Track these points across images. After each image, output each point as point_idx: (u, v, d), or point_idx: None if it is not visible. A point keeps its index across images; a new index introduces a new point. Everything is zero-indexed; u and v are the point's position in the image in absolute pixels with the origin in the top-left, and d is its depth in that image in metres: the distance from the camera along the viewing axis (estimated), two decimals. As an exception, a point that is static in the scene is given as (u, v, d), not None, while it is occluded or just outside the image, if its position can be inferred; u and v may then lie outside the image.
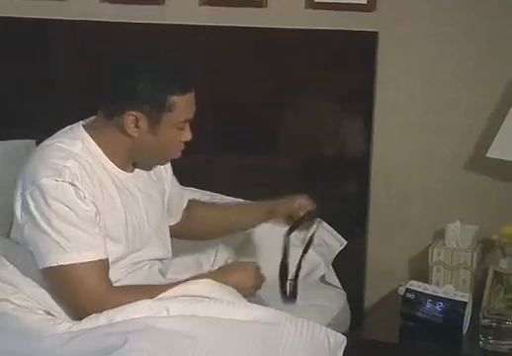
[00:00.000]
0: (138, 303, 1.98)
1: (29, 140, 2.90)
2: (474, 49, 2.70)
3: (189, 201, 2.48)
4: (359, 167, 2.87)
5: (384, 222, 2.89)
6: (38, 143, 2.21)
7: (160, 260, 2.29)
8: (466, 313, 2.41)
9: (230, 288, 2.12)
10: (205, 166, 2.94)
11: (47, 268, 2.01)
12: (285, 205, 2.36)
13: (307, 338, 2.00)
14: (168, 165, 2.33)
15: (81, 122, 2.17)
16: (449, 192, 2.82)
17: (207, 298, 2.04)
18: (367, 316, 2.79)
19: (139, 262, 2.20)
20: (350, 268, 2.86)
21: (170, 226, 2.37)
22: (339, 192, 2.89)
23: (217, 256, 2.63)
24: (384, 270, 2.88)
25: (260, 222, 2.44)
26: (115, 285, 2.10)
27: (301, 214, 2.30)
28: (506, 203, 2.74)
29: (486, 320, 2.34)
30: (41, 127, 3.03)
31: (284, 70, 2.86)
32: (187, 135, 2.13)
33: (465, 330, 2.42)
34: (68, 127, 2.17)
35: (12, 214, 2.11)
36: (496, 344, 2.33)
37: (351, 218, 2.89)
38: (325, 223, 2.81)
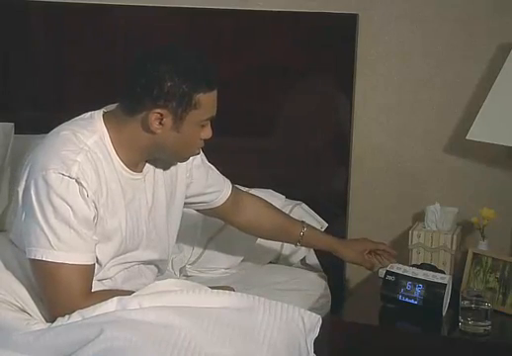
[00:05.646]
0: (110, 299, 1.98)
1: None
2: (452, 30, 2.71)
3: (251, 195, 2.50)
4: (339, 149, 2.87)
5: (364, 204, 2.90)
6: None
7: (153, 263, 2.25)
8: (445, 295, 2.42)
9: (197, 283, 2.15)
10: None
11: (33, 259, 2.00)
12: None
13: (282, 321, 2.01)
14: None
15: (103, 110, 2.11)
16: (429, 174, 2.83)
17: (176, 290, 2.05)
18: (347, 299, 2.80)
19: (131, 262, 2.18)
20: (331, 250, 2.87)
21: (215, 208, 2.39)
22: (319, 174, 2.89)
23: None
24: (364, 252, 2.89)
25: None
26: (105, 282, 2.11)
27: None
28: (485, 185, 2.75)
29: (466, 302, 2.36)
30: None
31: (264, 53, 2.85)
32: (208, 133, 2.10)
33: (444, 312, 2.44)
34: (89, 113, 2.11)
35: None
36: (475, 326, 2.35)
37: (331, 200, 2.89)
38: (306, 206, 2.83)
